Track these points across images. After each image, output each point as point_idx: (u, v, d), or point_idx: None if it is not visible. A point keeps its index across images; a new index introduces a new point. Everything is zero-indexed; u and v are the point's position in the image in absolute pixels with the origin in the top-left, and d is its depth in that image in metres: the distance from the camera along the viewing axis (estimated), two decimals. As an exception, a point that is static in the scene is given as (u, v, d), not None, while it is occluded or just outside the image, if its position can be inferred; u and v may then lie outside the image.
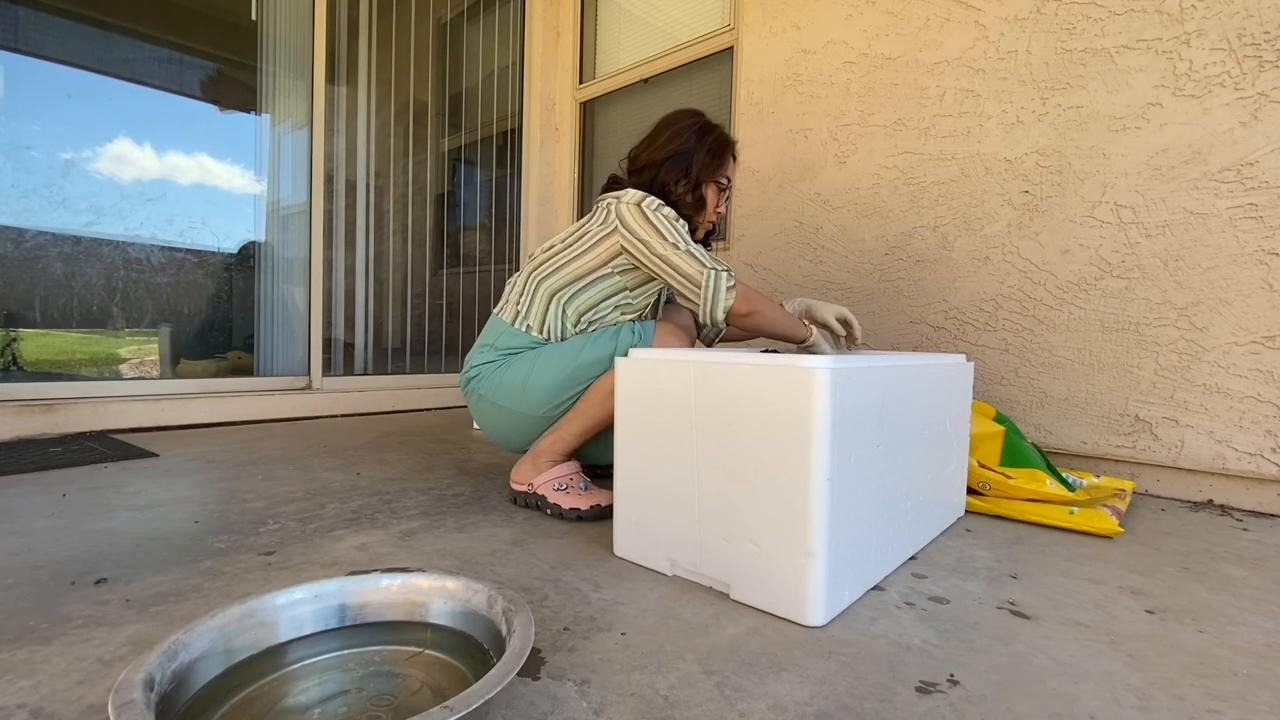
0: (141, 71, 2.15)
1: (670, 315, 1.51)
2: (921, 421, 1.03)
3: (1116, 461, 1.57)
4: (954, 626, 0.78)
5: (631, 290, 1.28)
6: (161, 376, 2.22)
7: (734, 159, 1.41)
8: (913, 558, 1.03)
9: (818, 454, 0.75)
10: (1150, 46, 1.48)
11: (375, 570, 0.89)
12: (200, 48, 2.27)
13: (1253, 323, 1.38)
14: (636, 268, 1.25)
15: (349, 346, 2.70)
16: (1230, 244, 1.40)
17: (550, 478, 1.21)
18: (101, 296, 2.11)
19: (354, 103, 2.67)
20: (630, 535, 0.97)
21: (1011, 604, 0.86)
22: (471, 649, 0.64)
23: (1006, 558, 1.04)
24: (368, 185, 2.74)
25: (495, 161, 3.16)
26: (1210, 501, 1.45)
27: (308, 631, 0.64)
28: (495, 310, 1.35)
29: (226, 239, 2.36)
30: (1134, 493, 1.52)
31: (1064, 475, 1.41)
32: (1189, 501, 1.47)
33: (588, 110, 3.11)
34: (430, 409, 2.76)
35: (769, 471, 0.79)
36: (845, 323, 1.37)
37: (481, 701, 0.45)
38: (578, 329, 1.28)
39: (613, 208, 1.23)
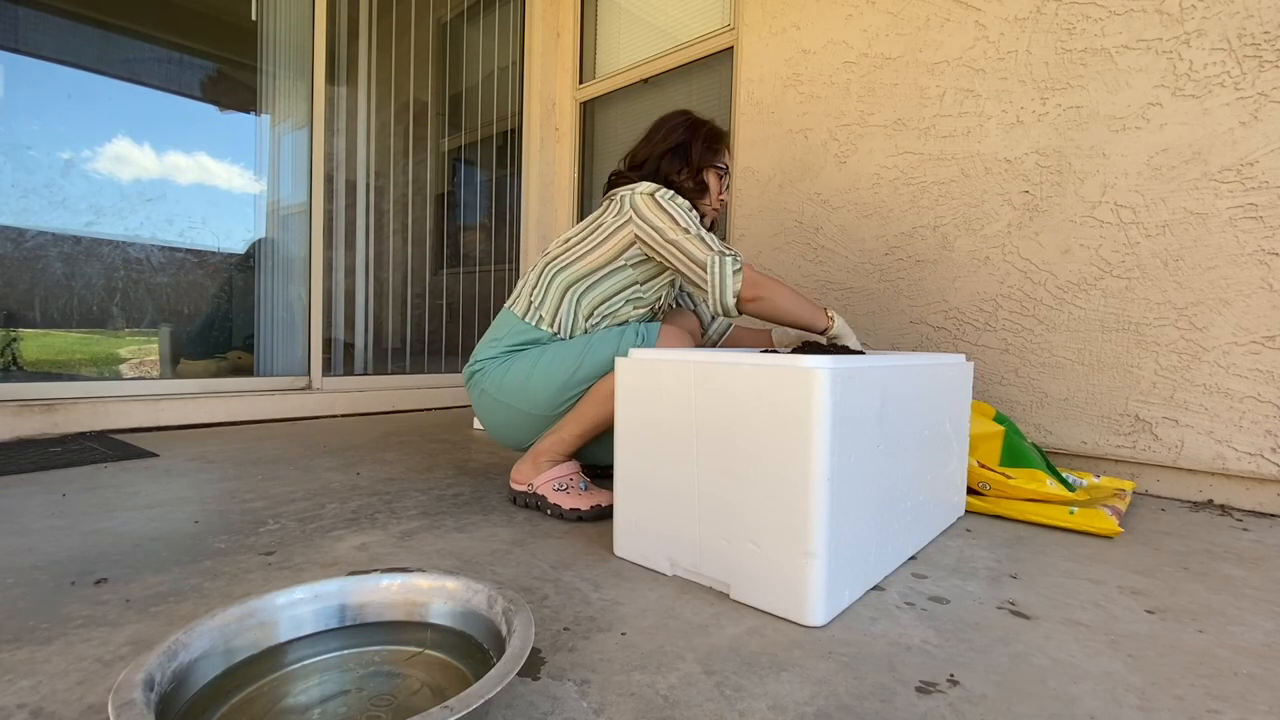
0: (141, 71, 2.15)
1: (675, 319, 1.52)
2: (921, 421, 1.03)
3: (1116, 461, 1.57)
4: (954, 626, 0.78)
5: (642, 284, 1.29)
6: (161, 376, 2.22)
7: (728, 149, 1.45)
8: (913, 558, 1.03)
9: (818, 454, 0.75)
10: (1150, 46, 1.48)
11: (375, 570, 0.89)
12: (200, 48, 2.27)
13: (1253, 323, 1.38)
14: (647, 259, 1.26)
15: (349, 346, 2.70)
16: (1230, 244, 1.40)
17: (550, 478, 1.21)
18: (101, 296, 2.11)
19: (354, 103, 2.67)
20: (630, 535, 0.97)
21: (1011, 604, 0.86)
22: (471, 649, 0.64)
23: (1006, 558, 1.04)
24: (368, 185, 2.74)
25: (495, 161, 3.16)
26: (1210, 501, 1.45)
27: (308, 631, 0.64)
28: (508, 303, 1.36)
29: (226, 239, 2.36)
30: (1134, 493, 1.52)
31: (1064, 475, 1.40)
32: (1189, 501, 1.47)
33: (588, 110, 3.11)
34: (430, 409, 2.76)
35: (769, 471, 0.79)
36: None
37: (481, 701, 0.45)
38: (589, 323, 1.29)
39: (626, 199, 1.24)
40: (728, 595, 0.85)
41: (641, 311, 1.33)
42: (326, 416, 2.44)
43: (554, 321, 1.28)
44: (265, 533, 1.07)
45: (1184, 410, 1.46)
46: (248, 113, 2.39)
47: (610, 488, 1.31)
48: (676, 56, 2.63)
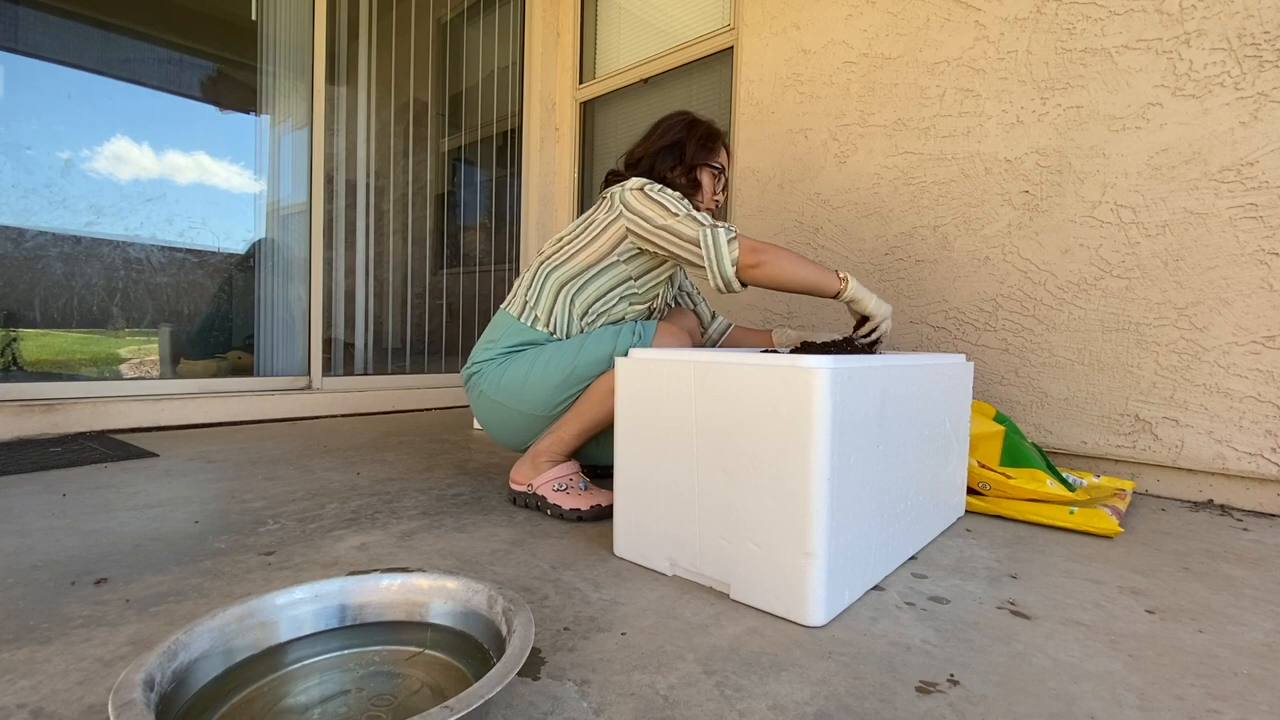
0: (141, 72, 2.15)
1: (674, 318, 1.52)
2: (921, 421, 1.03)
3: (1116, 461, 1.57)
4: (954, 626, 0.78)
5: (636, 279, 1.28)
6: (161, 376, 2.22)
7: (726, 150, 1.44)
8: (913, 558, 1.03)
9: (818, 454, 0.75)
10: (1150, 46, 1.48)
11: (375, 570, 0.89)
12: (200, 48, 2.27)
13: (1253, 323, 1.38)
14: (640, 254, 1.25)
15: (349, 346, 2.70)
16: (1230, 244, 1.40)
17: (550, 478, 1.21)
18: (101, 296, 2.11)
19: (354, 103, 2.67)
20: (630, 535, 0.97)
21: (1011, 604, 0.86)
22: (471, 649, 0.64)
23: (1006, 558, 1.04)
24: (368, 185, 2.74)
25: (495, 161, 3.16)
26: (1210, 501, 1.45)
27: (308, 631, 0.64)
28: (504, 304, 1.36)
29: (226, 239, 2.36)
30: (1134, 493, 1.52)
31: (1064, 475, 1.41)
32: (1189, 501, 1.47)
33: (588, 110, 3.11)
34: (430, 409, 2.75)
35: (769, 471, 0.79)
36: (870, 322, 1.24)
37: (482, 701, 0.45)
38: (585, 322, 1.28)
39: (617, 195, 1.24)
40: (728, 595, 0.85)
41: (639, 310, 1.33)
42: (326, 416, 2.44)
43: (549, 321, 1.27)
44: (265, 533, 1.07)
45: (1184, 410, 1.46)
46: (248, 113, 2.39)
47: (610, 488, 1.31)
48: (676, 56, 2.63)
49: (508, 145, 3.18)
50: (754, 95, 2.29)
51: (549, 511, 1.20)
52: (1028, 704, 0.62)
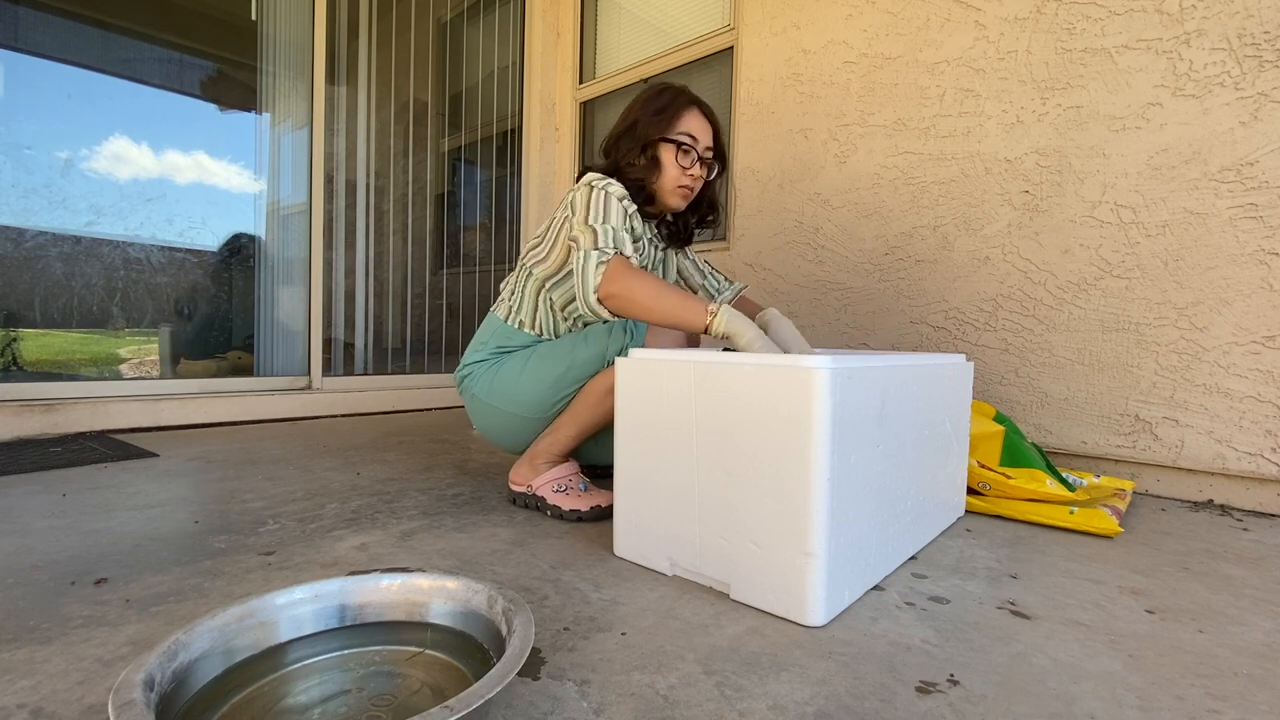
0: (141, 71, 2.15)
1: None
2: (921, 421, 1.03)
3: (1116, 461, 1.57)
4: (954, 626, 0.78)
5: None
6: (161, 376, 2.22)
7: (708, 119, 1.27)
8: (913, 558, 1.03)
9: (818, 454, 0.75)
10: (1150, 46, 1.48)
11: (375, 570, 0.89)
12: (200, 47, 2.27)
13: (1253, 323, 1.38)
14: None
15: (349, 346, 2.70)
16: (1230, 244, 1.40)
17: (549, 479, 1.21)
18: (101, 296, 2.11)
19: (354, 103, 2.67)
20: (630, 535, 0.97)
21: (1011, 604, 0.86)
22: (471, 649, 0.64)
23: (1006, 558, 1.04)
24: (368, 185, 2.74)
25: (495, 161, 3.16)
26: (1210, 501, 1.45)
27: (308, 631, 0.64)
28: (493, 306, 1.35)
29: (226, 239, 2.36)
30: (1134, 493, 1.52)
31: (1064, 475, 1.40)
32: (1189, 501, 1.47)
33: (588, 110, 3.11)
34: (430, 409, 2.75)
35: (769, 471, 0.79)
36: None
37: (482, 701, 0.45)
38: (567, 323, 1.28)
39: (571, 193, 1.21)
40: (728, 595, 0.85)
41: None
42: (326, 416, 2.44)
43: (534, 324, 1.26)
44: (265, 533, 1.07)
45: (1184, 410, 1.46)
46: (247, 112, 2.39)
47: (609, 488, 1.31)
48: (676, 56, 2.63)
49: (508, 145, 3.18)
50: (754, 95, 2.29)
51: (549, 513, 1.20)
52: (1028, 704, 0.62)
